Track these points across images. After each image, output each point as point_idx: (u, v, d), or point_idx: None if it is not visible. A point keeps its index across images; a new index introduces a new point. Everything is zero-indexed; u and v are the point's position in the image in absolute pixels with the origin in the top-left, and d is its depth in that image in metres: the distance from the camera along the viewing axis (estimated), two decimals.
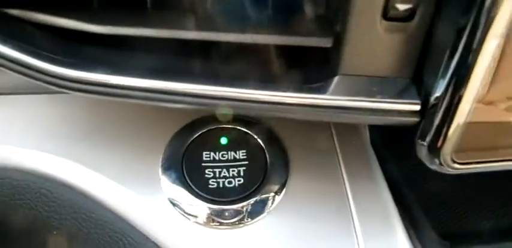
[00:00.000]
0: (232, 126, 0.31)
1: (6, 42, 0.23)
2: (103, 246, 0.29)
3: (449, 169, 0.22)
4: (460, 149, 0.21)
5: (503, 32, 0.18)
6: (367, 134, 0.32)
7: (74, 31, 0.24)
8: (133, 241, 0.28)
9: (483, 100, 0.20)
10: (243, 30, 0.21)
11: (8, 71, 0.23)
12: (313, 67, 0.22)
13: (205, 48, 0.22)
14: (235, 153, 0.30)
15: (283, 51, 0.22)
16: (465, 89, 0.19)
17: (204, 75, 0.22)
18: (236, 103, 0.21)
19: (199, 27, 0.22)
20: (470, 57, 0.18)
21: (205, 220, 0.28)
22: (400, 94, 0.21)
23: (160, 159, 0.29)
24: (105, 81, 0.22)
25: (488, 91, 0.20)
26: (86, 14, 0.24)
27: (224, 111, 0.22)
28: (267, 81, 0.22)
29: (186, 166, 0.29)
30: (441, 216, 0.32)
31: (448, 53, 0.19)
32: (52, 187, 0.30)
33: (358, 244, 0.28)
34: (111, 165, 0.29)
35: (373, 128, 0.32)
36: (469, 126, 0.20)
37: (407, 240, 0.29)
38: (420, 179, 0.32)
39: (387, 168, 0.31)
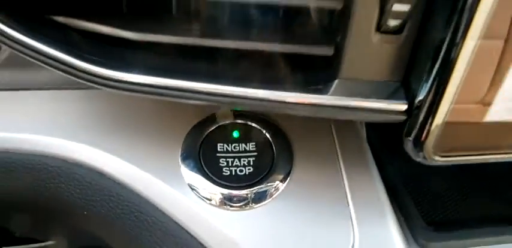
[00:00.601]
0: (244, 122, 0.34)
1: (55, 45, 0.26)
2: (129, 225, 0.33)
3: (432, 162, 0.26)
4: (443, 146, 0.25)
5: (477, 43, 0.21)
6: (363, 130, 0.35)
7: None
8: (157, 220, 0.32)
9: (482, 101, 0.23)
10: (256, 39, 0.25)
11: (56, 71, 0.27)
12: (316, 72, 0.26)
13: (225, 53, 0.26)
14: (246, 145, 0.33)
15: (292, 56, 0.26)
16: (444, 93, 0.22)
17: (225, 77, 0.25)
18: (252, 101, 0.25)
19: (219, 36, 0.26)
20: (449, 65, 0.22)
21: (218, 203, 0.32)
22: (391, 96, 0.25)
23: (180, 149, 0.33)
24: (139, 81, 0.26)
25: (488, 92, 0.23)
26: (119, 21, 0.27)
27: (239, 107, 0.26)
28: (278, 83, 0.25)
29: (202, 156, 0.33)
30: (429, 206, 0.36)
31: (431, 60, 0.23)
32: (84, 173, 0.34)
33: (353, 229, 0.32)
34: (137, 155, 0.33)
35: (368, 125, 0.35)
36: (450, 126, 0.24)
37: (398, 226, 0.33)
38: (411, 172, 0.36)
39: (381, 161, 0.35)
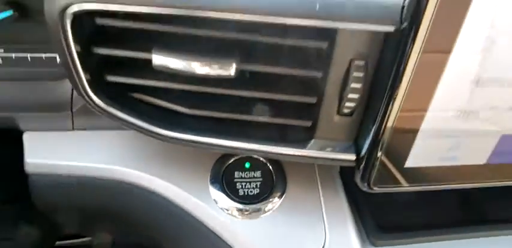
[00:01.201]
0: (253, 156, 0.49)
1: (129, 113, 0.41)
2: (174, 228, 0.48)
3: (372, 190, 0.40)
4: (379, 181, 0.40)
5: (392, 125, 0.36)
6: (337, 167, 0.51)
7: None
8: (192, 225, 0.47)
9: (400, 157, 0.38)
10: (266, 114, 0.39)
11: (130, 129, 0.41)
12: (301, 134, 0.41)
13: (243, 122, 0.41)
14: (255, 173, 0.48)
15: (286, 125, 0.40)
16: (377, 153, 0.37)
17: (245, 136, 0.40)
18: (259, 153, 0.40)
19: (242, 112, 0.40)
20: (378, 139, 0.36)
21: (234, 213, 0.47)
22: (346, 150, 0.40)
23: (209, 175, 0.48)
24: (186, 138, 0.40)
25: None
26: (174, 97, 0.42)
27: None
28: (276, 141, 0.40)
29: (224, 180, 0.48)
30: (382, 215, 0.51)
31: (369, 132, 0.37)
32: (140, 192, 0.49)
33: (325, 231, 0.47)
34: (179, 179, 0.48)
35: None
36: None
37: (357, 230, 0.48)
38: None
39: (350, 186, 0.50)
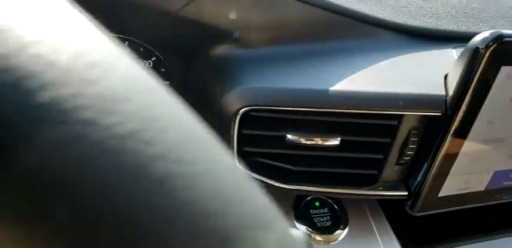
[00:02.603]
0: (320, 197, 0.67)
1: (256, 173, 0.58)
2: None
3: (417, 214, 0.60)
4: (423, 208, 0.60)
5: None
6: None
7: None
8: None
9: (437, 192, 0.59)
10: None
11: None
12: (368, 179, 0.60)
13: (330, 173, 0.59)
14: (323, 209, 0.66)
15: (359, 174, 0.60)
16: (422, 190, 0.57)
17: (323, 183, 0.59)
18: (336, 194, 0.58)
19: (329, 166, 0.59)
20: (424, 179, 0.57)
21: (315, 239, 0.64)
22: (398, 188, 0.60)
23: (293, 213, 0.65)
24: (293, 188, 0.58)
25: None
26: (283, 158, 0.59)
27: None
28: (348, 185, 0.59)
29: (303, 215, 0.65)
30: (415, 230, 0.71)
31: (416, 175, 0.58)
32: None
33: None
34: None
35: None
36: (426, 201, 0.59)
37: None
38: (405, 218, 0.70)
39: (391, 214, 0.69)
